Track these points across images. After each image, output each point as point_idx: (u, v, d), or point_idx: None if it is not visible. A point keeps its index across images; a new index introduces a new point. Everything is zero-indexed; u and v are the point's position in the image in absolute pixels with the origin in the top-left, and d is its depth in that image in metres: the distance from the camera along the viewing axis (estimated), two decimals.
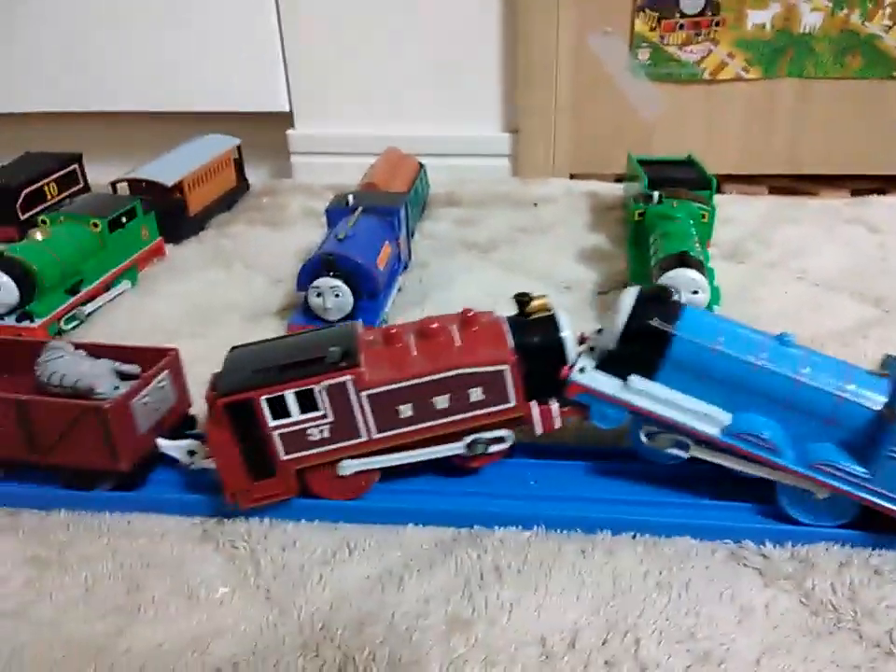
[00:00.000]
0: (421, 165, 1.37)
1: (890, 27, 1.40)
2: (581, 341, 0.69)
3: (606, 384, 0.64)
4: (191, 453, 0.69)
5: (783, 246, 1.23)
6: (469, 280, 1.14)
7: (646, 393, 0.63)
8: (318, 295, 0.93)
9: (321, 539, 0.67)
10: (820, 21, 1.41)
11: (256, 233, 1.31)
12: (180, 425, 0.75)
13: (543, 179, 1.50)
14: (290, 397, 0.63)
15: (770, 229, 1.30)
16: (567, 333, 0.66)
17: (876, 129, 1.48)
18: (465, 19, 1.44)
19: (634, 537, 0.65)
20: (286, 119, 1.54)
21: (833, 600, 0.59)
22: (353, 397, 0.64)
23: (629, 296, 0.64)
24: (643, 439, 0.66)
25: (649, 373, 0.64)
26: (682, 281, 0.89)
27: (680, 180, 1.18)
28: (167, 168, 1.26)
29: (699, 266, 0.90)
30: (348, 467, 0.67)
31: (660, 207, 1.05)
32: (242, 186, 1.45)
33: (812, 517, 0.64)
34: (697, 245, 0.97)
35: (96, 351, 0.75)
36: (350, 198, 1.08)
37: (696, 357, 0.62)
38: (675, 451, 0.65)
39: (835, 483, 0.61)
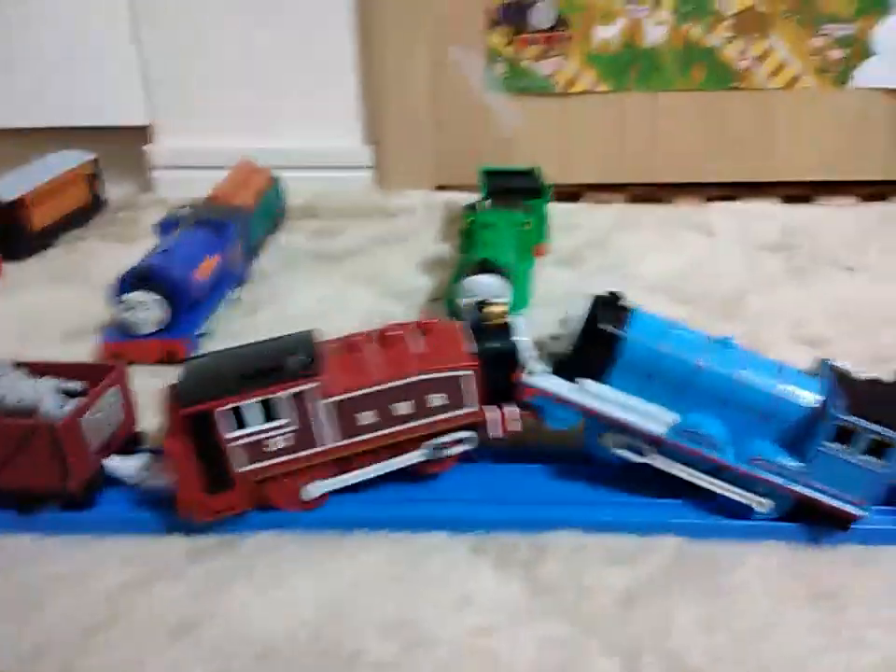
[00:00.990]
0: (274, 178, 1.39)
1: (731, 39, 1.47)
2: (539, 347, 0.71)
3: (557, 385, 0.67)
4: (140, 471, 0.68)
5: (617, 253, 1.28)
6: (309, 291, 1.16)
7: (596, 394, 0.66)
8: (128, 309, 0.94)
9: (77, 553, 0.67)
10: (664, 35, 1.47)
11: (106, 249, 1.31)
12: (128, 442, 0.74)
13: (404, 191, 1.53)
14: (253, 406, 0.63)
15: (611, 236, 1.35)
16: (522, 338, 0.69)
17: (723, 139, 1.55)
18: (323, 31, 1.47)
19: (387, 535, 0.68)
20: (146, 133, 1.55)
21: (558, 582, 0.63)
22: (315, 405, 0.64)
23: (584, 302, 0.68)
24: (593, 439, 0.68)
25: (601, 376, 0.66)
26: (482, 288, 0.92)
27: (517, 190, 1.23)
28: (9, 185, 1.26)
29: (500, 272, 0.94)
30: (315, 489, 0.68)
31: (484, 216, 1.09)
32: (98, 201, 1.45)
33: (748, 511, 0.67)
34: (512, 252, 1.01)
35: (38, 369, 0.73)
36: (183, 210, 1.10)
37: (645, 359, 0.65)
38: (628, 454, 0.68)
39: (770, 477, 0.64)
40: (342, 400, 0.65)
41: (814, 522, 0.66)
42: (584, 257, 1.26)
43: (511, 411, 0.69)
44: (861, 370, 0.68)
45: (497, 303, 0.71)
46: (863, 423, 0.61)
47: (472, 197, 1.31)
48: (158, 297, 0.93)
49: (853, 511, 0.64)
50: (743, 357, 0.67)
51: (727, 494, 0.67)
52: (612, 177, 1.61)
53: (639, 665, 0.56)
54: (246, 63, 1.50)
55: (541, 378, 0.68)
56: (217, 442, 0.64)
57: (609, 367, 0.66)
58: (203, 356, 0.70)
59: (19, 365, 0.73)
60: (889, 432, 0.61)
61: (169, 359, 0.95)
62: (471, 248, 1.04)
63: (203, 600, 0.62)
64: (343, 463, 0.68)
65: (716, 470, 0.67)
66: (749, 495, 0.66)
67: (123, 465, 0.69)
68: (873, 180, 1.58)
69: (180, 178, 1.54)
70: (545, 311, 1.07)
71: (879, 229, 1.36)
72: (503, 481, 0.72)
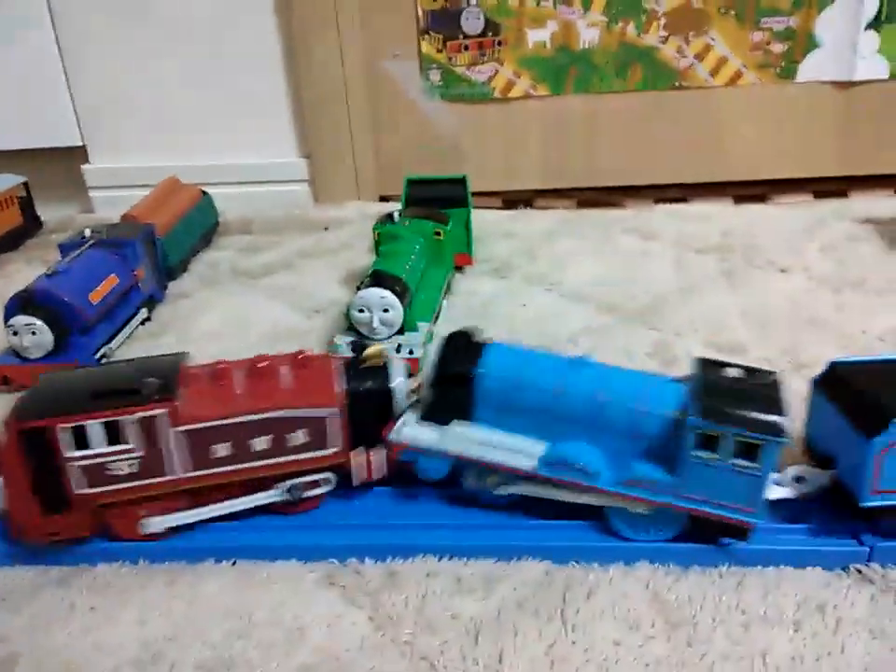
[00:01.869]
0: (204, 194, 1.37)
1: (666, 38, 1.43)
2: (418, 389, 0.68)
3: (424, 437, 0.64)
4: None
5: (549, 260, 1.24)
6: (220, 310, 1.13)
7: (461, 438, 0.64)
8: (15, 333, 0.92)
9: None
10: (598, 37, 1.44)
11: (31, 272, 1.28)
12: None
13: (340, 203, 1.50)
14: (95, 427, 0.60)
15: (546, 243, 1.31)
16: (398, 382, 0.66)
17: (669, 140, 1.51)
18: (250, 45, 1.46)
19: (233, 563, 0.65)
20: (82, 154, 1.54)
21: (401, 613, 0.59)
22: (166, 432, 0.61)
23: (437, 344, 0.66)
24: (469, 481, 0.66)
25: (465, 416, 0.64)
26: (372, 300, 0.89)
27: (439, 199, 1.19)
28: None
29: (393, 284, 0.91)
30: (156, 524, 0.64)
31: (390, 227, 1.06)
32: (31, 224, 1.44)
33: (643, 532, 0.63)
34: (411, 263, 0.98)
35: None
36: (87, 231, 1.08)
37: (504, 391, 0.63)
38: (506, 490, 0.65)
39: (648, 497, 0.61)
40: (194, 430, 0.62)
41: (712, 536, 0.62)
42: (513, 265, 1.23)
43: (378, 456, 0.66)
44: (731, 363, 0.62)
45: (375, 343, 0.68)
46: (723, 427, 0.57)
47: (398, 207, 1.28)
48: (40, 321, 0.90)
49: (746, 520, 0.60)
50: (602, 375, 0.63)
51: (600, 503, 0.63)
52: (558, 182, 1.58)
53: None
54: (178, 81, 1.49)
55: (409, 430, 0.65)
56: (55, 461, 0.61)
57: (470, 405, 0.64)
58: (59, 373, 0.67)
59: None
60: (753, 432, 0.56)
61: None
62: (375, 259, 1.01)
63: (30, 639, 0.59)
64: (194, 495, 0.65)
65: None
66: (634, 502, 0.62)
67: None
68: (831, 176, 1.54)
69: (119, 197, 1.52)
70: (464, 322, 1.04)
71: (825, 227, 1.31)
72: (360, 504, 0.69)
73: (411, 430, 0.65)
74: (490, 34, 1.45)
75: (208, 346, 1.01)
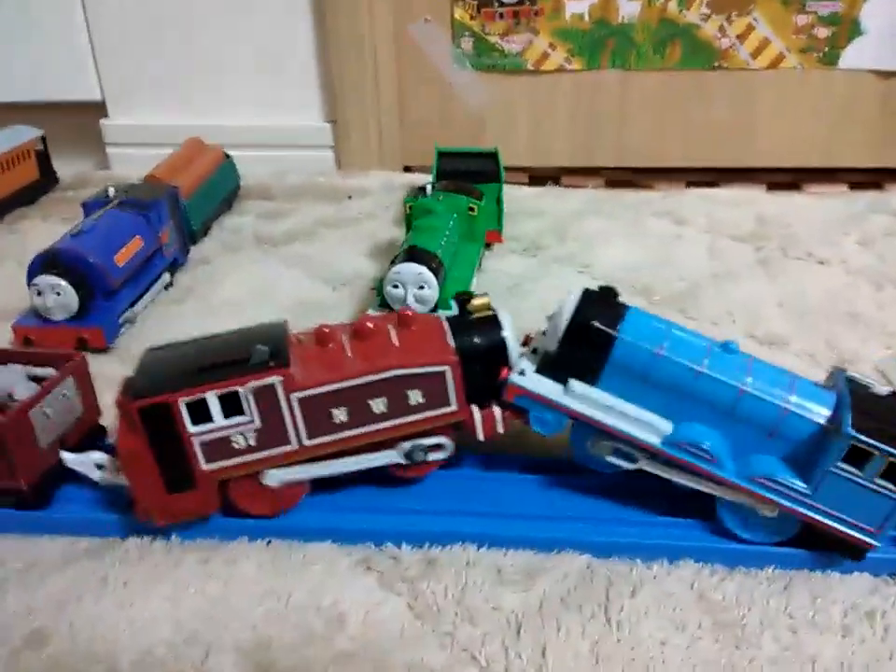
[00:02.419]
0: (227, 156, 1.33)
1: (708, 16, 1.39)
2: (526, 342, 0.66)
3: (545, 387, 0.61)
4: (100, 466, 0.64)
5: (579, 240, 1.22)
6: (244, 277, 1.11)
7: (586, 398, 0.60)
8: (39, 294, 0.89)
9: None
10: (638, 11, 1.40)
11: (47, 228, 1.27)
12: (88, 436, 0.70)
13: (364, 172, 1.47)
14: (212, 399, 0.58)
15: (576, 222, 1.28)
16: (509, 333, 0.63)
17: (703, 122, 1.48)
18: (279, 3, 1.41)
19: (268, 543, 0.63)
20: (101, 109, 1.50)
21: (441, 603, 0.58)
22: (282, 400, 0.59)
23: (573, 296, 0.61)
24: (581, 445, 0.63)
25: (591, 376, 0.60)
26: (408, 276, 0.87)
27: (471, 173, 1.16)
28: None
29: (429, 260, 0.88)
30: (274, 477, 0.62)
31: (424, 201, 1.03)
32: (47, 178, 1.41)
33: (752, 534, 0.61)
34: (445, 239, 0.95)
35: (4, 356, 0.69)
36: (111, 190, 1.05)
37: (639, 361, 0.59)
38: (620, 461, 0.62)
39: (775, 498, 0.58)
40: (311, 396, 0.59)
41: (823, 549, 0.60)
42: (543, 245, 1.20)
43: (497, 411, 0.63)
44: (882, 383, 0.60)
45: (480, 296, 0.65)
46: (881, 444, 0.54)
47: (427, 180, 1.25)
48: (66, 282, 0.88)
49: (866, 540, 0.58)
50: (748, 365, 0.60)
51: (733, 499, 0.60)
52: (587, 161, 1.54)
53: None
54: (201, 38, 1.44)
55: (529, 379, 0.61)
56: (178, 438, 0.58)
57: (600, 368, 0.60)
58: (163, 346, 0.64)
59: None
60: None
61: (82, 347, 0.91)
62: (408, 234, 0.98)
63: (58, 611, 0.58)
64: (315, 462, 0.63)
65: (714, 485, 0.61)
66: (758, 501, 0.59)
67: (82, 461, 0.64)
68: (865, 167, 1.51)
69: (137, 155, 1.49)
70: (494, 301, 1.02)
71: (861, 219, 1.28)
72: (396, 488, 0.67)
73: (530, 378, 0.61)
74: (527, 2, 1.40)
75: (231, 316, 0.99)
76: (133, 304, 0.98)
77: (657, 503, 0.65)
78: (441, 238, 0.95)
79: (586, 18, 1.41)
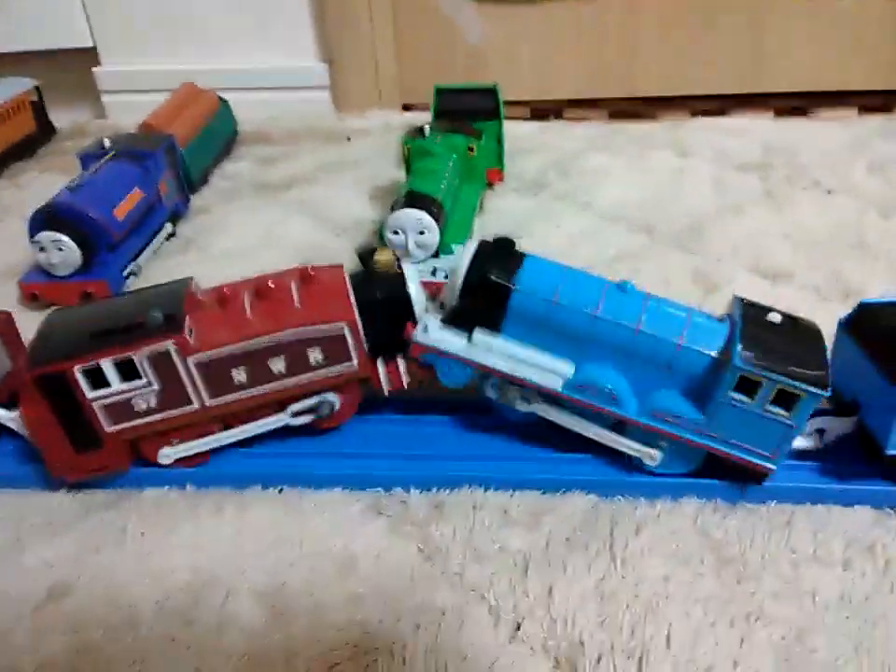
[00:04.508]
0: (222, 101, 1.31)
1: None
2: (434, 294, 0.65)
3: (449, 342, 0.62)
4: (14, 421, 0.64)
5: (582, 177, 1.20)
6: (246, 224, 1.11)
7: (489, 349, 0.61)
8: (42, 250, 0.89)
9: None
10: None
11: (49, 181, 1.25)
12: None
13: (363, 112, 1.44)
14: (108, 366, 0.59)
15: (578, 158, 1.27)
16: (413, 287, 0.63)
17: (709, 48, 1.44)
18: None
19: (280, 491, 0.65)
20: (94, 57, 1.47)
21: (449, 545, 0.60)
22: (178, 363, 0.60)
23: (469, 248, 0.61)
24: (490, 392, 0.64)
25: (493, 327, 0.61)
26: (408, 221, 0.86)
27: (470, 110, 1.14)
28: None
29: (429, 205, 0.87)
30: (167, 455, 0.64)
31: (422, 142, 1.02)
32: (44, 130, 1.39)
33: (662, 466, 0.63)
34: (445, 182, 0.94)
35: None
36: (106, 141, 1.04)
37: (537, 309, 0.59)
38: (521, 406, 0.64)
39: (674, 431, 0.60)
40: (209, 358, 0.60)
41: (726, 476, 0.62)
42: (545, 183, 1.19)
43: (401, 365, 0.64)
44: (772, 308, 0.60)
45: (382, 250, 0.64)
46: (768, 372, 0.55)
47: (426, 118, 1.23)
48: (67, 237, 0.88)
49: (765, 465, 0.59)
50: (644, 304, 0.60)
51: (615, 446, 0.63)
52: (590, 92, 1.51)
53: (523, 635, 0.53)
54: None
55: (432, 334, 0.62)
56: (78, 403, 0.60)
57: (500, 319, 0.61)
58: (63, 313, 0.65)
59: None
60: (796, 382, 0.55)
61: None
62: (407, 178, 0.97)
63: (77, 563, 0.60)
64: (225, 422, 0.65)
65: (619, 424, 0.62)
66: (637, 446, 0.62)
67: (9, 416, 0.65)
68: (875, 90, 1.47)
69: (132, 102, 1.47)
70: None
71: (871, 144, 1.26)
72: (404, 434, 0.68)
73: (435, 334, 0.62)
74: None
75: (234, 264, 0.99)
76: (136, 256, 0.98)
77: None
78: (440, 181, 0.94)
79: None
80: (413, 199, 0.87)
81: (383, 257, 0.64)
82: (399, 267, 0.64)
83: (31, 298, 0.92)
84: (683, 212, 1.08)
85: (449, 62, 1.48)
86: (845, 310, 0.64)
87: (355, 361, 0.62)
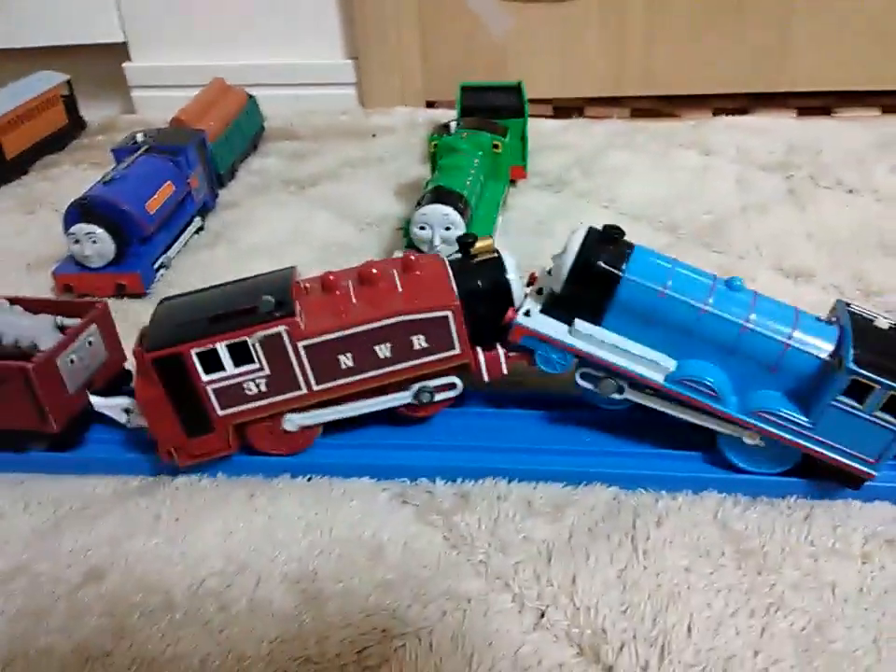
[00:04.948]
0: (250, 97, 1.33)
1: None
2: (531, 281, 0.67)
3: (551, 327, 0.62)
4: (127, 410, 0.67)
5: (604, 175, 1.21)
6: (274, 220, 1.12)
7: (591, 337, 0.61)
8: (77, 242, 0.92)
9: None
10: None
11: (80, 175, 1.28)
12: (115, 381, 0.73)
13: (388, 109, 1.46)
14: (222, 349, 0.61)
15: (600, 156, 1.27)
16: (513, 275, 0.64)
17: (731, 45, 1.44)
18: None
19: (308, 479, 0.67)
20: (124, 52, 1.49)
21: (475, 534, 0.61)
22: (289, 348, 0.61)
23: (578, 235, 0.61)
24: (580, 382, 0.65)
25: (596, 316, 0.61)
26: (434, 217, 0.88)
27: (495, 108, 1.15)
28: None
29: (455, 201, 0.89)
30: (292, 421, 0.66)
31: (449, 139, 1.03)
32: (75, 124, 1.42)
33: (753, 464, 0.64)
34: (471, 178, 0.95)
35: (33, 306, 0.72)
36: (139, 136, 1.06)
37: (644, 300, 0.60)
38: (614, 395, 0.64)
39: (777, 431, 0.60)
40: (317, 343, 0.62)
41: (823, 478, 0.62)
42: (568, 180, 1.20)
43: (501, 353, 0.65)
44: (886, 314, 0.60)
45: (483, 238, 0.65)
46: (882, 378, 0.55)
47: (450, 115, 1.24)
48: (102, 230, 0.90)
49: (864, 469, 0.59)
50: (752, 302, 0.60)
51: (717, 428, 0.63)
52: (612, 90, 1.52)
53: (547, 622, 0.54)
54: None
55: (534, 319, 0.62)
56: (192, 386, 0.62)
57: (604, 308, 0.61)
58: (176, 297, 0.67)
59: (13, 302, 0.72)
60: None
61: (121, 293, 0.94)
62: (433, 174, 0.99)
63: (113, 548, 0.62)
64: (327, 406, 0.66)
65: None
66: (740, 428, 0.61)
67: (109, 404, 0.67)
68: None
69: (161, 97, 1.49)
70: (519, 240, 1.03)
71: (893, 145, 1.25)
72: (430, 425, 0.70)
73: (536, 319, 0.63)
74: None
75: (262, 259, 1.01)
76: (167, 249, 1.00)
77: (680, 436, 0.67)
78: (466, 177, 0.95)
79: None
80: (440, 195, 0.89)
81: (482, 244, 0.65)
82: (498, 254, 0.65)
83: (64, 289, 0.95)
84: (706, 210, 1.08)
85: (473, 59, 1.49)
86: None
87: (457, 348, 0.63)
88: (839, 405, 0.57)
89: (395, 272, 0.65)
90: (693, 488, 0.64)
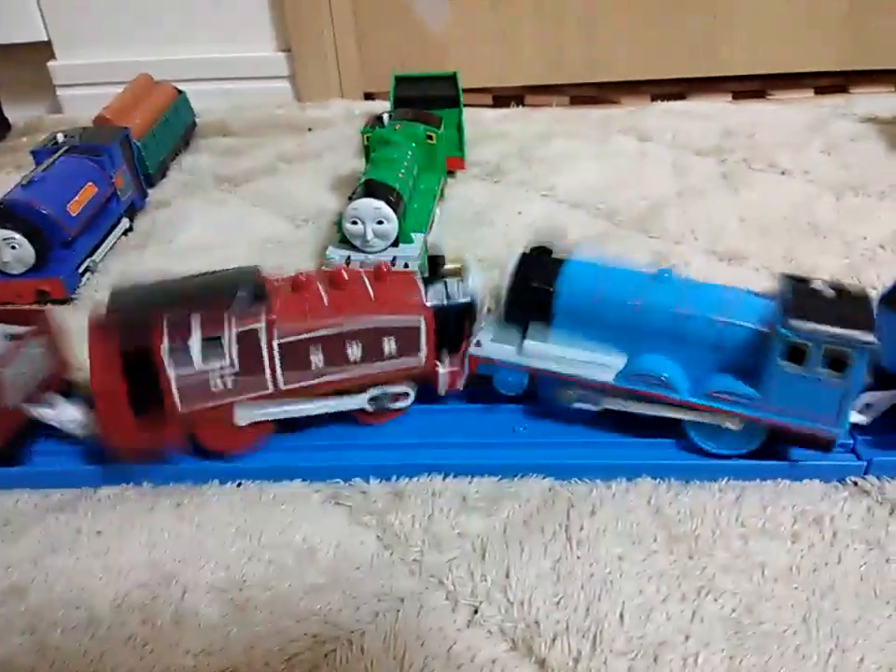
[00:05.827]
0: (180, 92, 1.29)
1: None
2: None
3: (502, 352, 0.65)
4: (73, 421, 0.64)
5: (544, 163, 1.20)
6: (206, 219, 1.09)
7: (540, 353, 0.64)
8: None
9: None
10: None
11: (2, 179, 1.23)
12: (60, 391, 0.69)
13: (324, 102, 1.43)
14: (195, 343, 0.58)
15: (540, 144, 1.26)
16: (479, 294, 0.66)
17: (671, 31, 1.44)
18: None
19: (238, 485, 0.65)
20: (48, 51, 1.44)
21: (408, 532, 0.60)
22: (263, 344, 0.59)
23: (513, 259, 0.65)
24: (545, 392, 0.66)
25: (542, 330, 0.65)
26: (366, 211, 0.86)
27: (430, 98, 1.14)
28: None
29: (387, 194, 0.87)
30: (244, 416, 0.63)
31: (381, 131, 1.01)
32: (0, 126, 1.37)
33: (723, 446, 0.64)
34: (404, 171, 0.94)
35: None
36: (59, 136, 1.02)
37: (581, 308, 0.63)
38: (583, 405, 0.66)
39: (733, 409, 0.61)
40: (292, 340, 0.60)
41: (792, 447, 0.62)
42: (507, 169, 1.19)
43: (461, 366, 0.66)
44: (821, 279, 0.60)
45: (453, 259, 0.67)
46: (813, 335, 0.56)
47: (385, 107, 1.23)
48: (20, 235, 0.87)
49: (828, 430, 0.60)
50: (683, 289, 0.62)
51: (690, 418, 0.63)
52: (551, 78, 1.51)
53: (480, 618, 0.54)
54: None
55: (485, 348, 0.66)
56: (156, 379, 0.59)
57: (548, 322, 0.64)
58: (130, 288, 0.63)
59: None
60: (842, 340, 0.55)
61: (43, 300, 0.91)
62: (366, 167, 0.97)
63: (34, 564, 0.59)
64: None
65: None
66: (719, 415, 0.62)
67: (55, 416, 0.65)
68: (831, 71, 1.49)
69: (88, 96, 1.44)
70: (457, 230, 1.02)
71: (826, 126, 1.27)
72: (361, 425, 0.68)
73: (488, 345, 0.66)
74: None
75: (194, 258, 0.99)
76: (92, 253, 0.97)
77: (616, 424, 0.67)
78: (399, 169, 0.93)
79: None
80: (371, 188, 0.87)
81: (451, 267, 0.66)
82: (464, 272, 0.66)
83: None
84: (643, 196, 1.08)
85: (412, 49, 1.47)
86: None
87: (423, 357, 0.64)
88: (782, 370, 0.58)
89: (365, 278, 0.64)
90: (628, 475, 0.64)
